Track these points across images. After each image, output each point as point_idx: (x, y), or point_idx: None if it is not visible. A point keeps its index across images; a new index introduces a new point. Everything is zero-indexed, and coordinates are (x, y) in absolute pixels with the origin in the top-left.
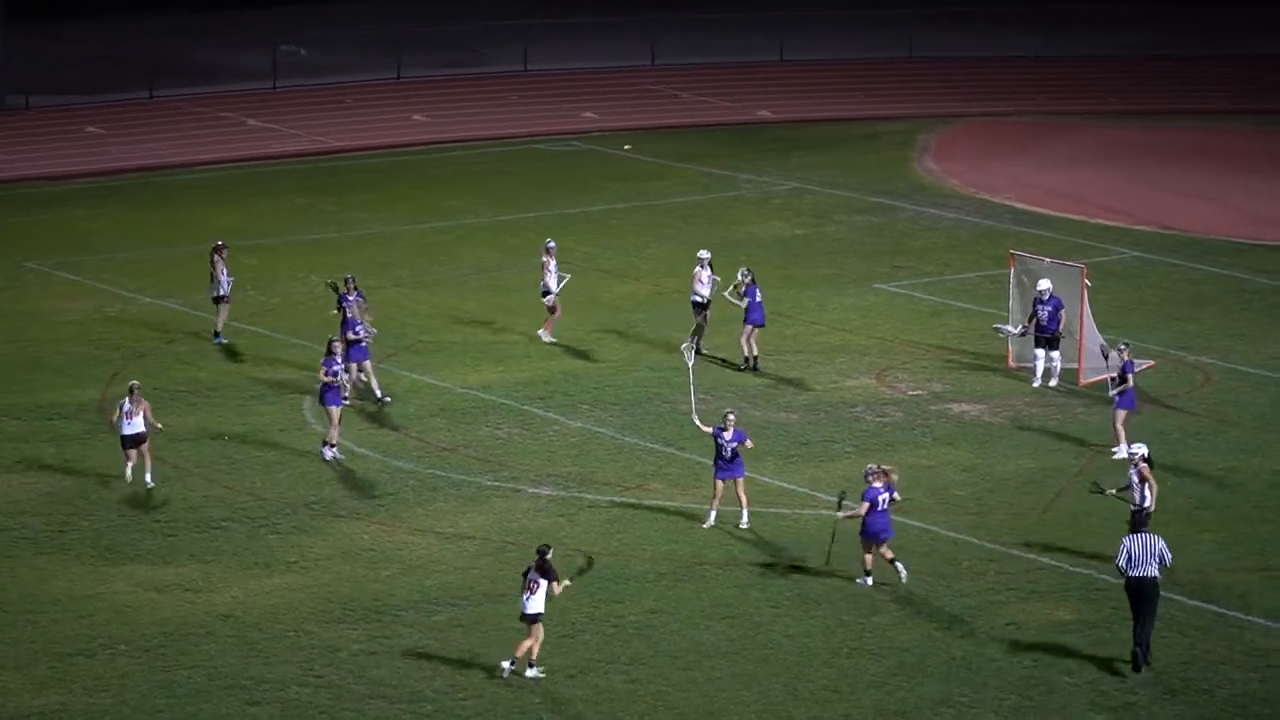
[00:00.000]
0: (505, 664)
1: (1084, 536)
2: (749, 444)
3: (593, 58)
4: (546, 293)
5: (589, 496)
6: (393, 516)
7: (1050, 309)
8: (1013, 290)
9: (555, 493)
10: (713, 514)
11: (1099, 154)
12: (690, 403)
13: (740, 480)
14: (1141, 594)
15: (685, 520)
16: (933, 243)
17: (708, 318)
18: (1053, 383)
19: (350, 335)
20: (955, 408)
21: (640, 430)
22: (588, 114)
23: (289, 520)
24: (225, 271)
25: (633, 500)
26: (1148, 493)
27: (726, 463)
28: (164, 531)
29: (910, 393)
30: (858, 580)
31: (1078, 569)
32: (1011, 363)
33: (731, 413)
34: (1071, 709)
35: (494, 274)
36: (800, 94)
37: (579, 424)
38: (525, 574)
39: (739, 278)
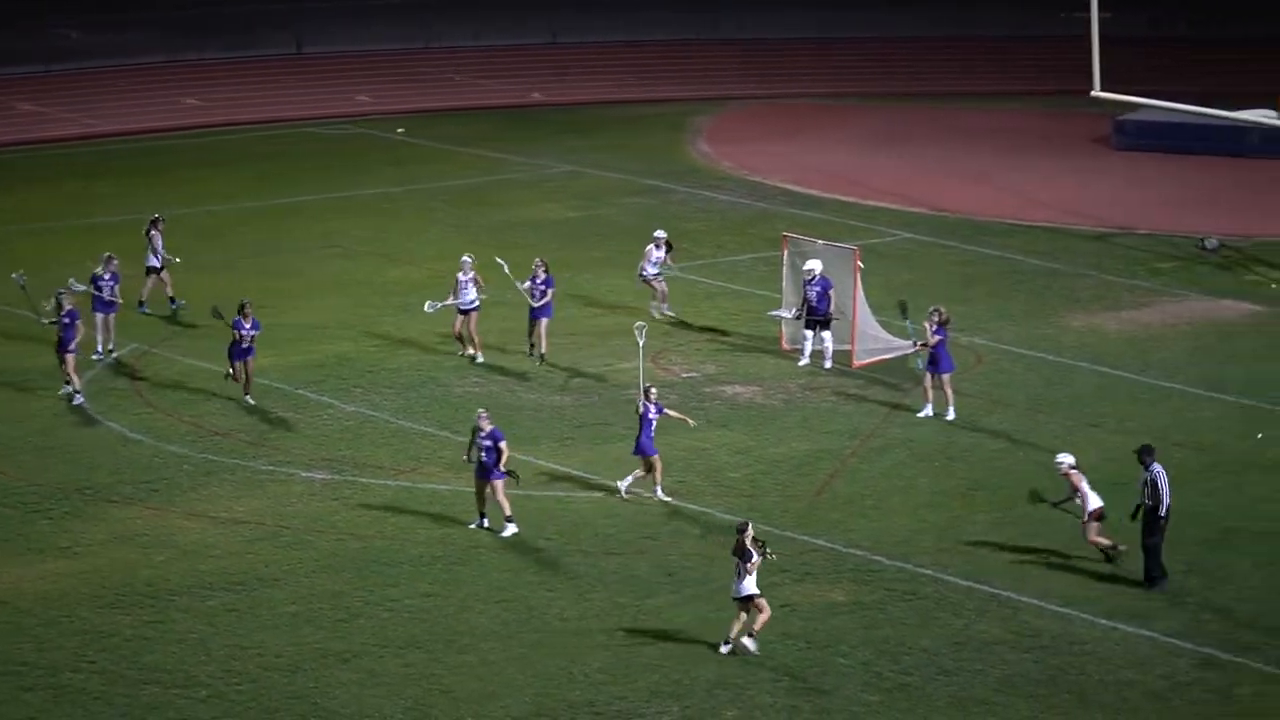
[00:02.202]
0: (750, 644)
1: (857, 519)
2: (670, 413)
3: (367, 40)
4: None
5: (363, 480)
6: (167, 501)
7: (819, 290)
8: (786, 272)
9: (329, 477)
10: (627, 480)
11: (873, 136)
12: (639, 381)
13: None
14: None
15: (460, 504)
16: (706, 225)
17: (660, 291)
18: (826, 364)
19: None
20: (729, 390)
21: (414, 414)
22: (362, 97)
23: (62, 505)
24: (160, 243)
25: (407, 484)
26: (1091, 494)
27: (652, 438)
28: None
29: (684, 375)
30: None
31: (851, 550)
32: (785, 344)
33: (653, 387)
34: (846, 690)
35: (269, 258)
36: (574, 77)
37: (353, 408)
38: (735, 555)
39: (535, 269)
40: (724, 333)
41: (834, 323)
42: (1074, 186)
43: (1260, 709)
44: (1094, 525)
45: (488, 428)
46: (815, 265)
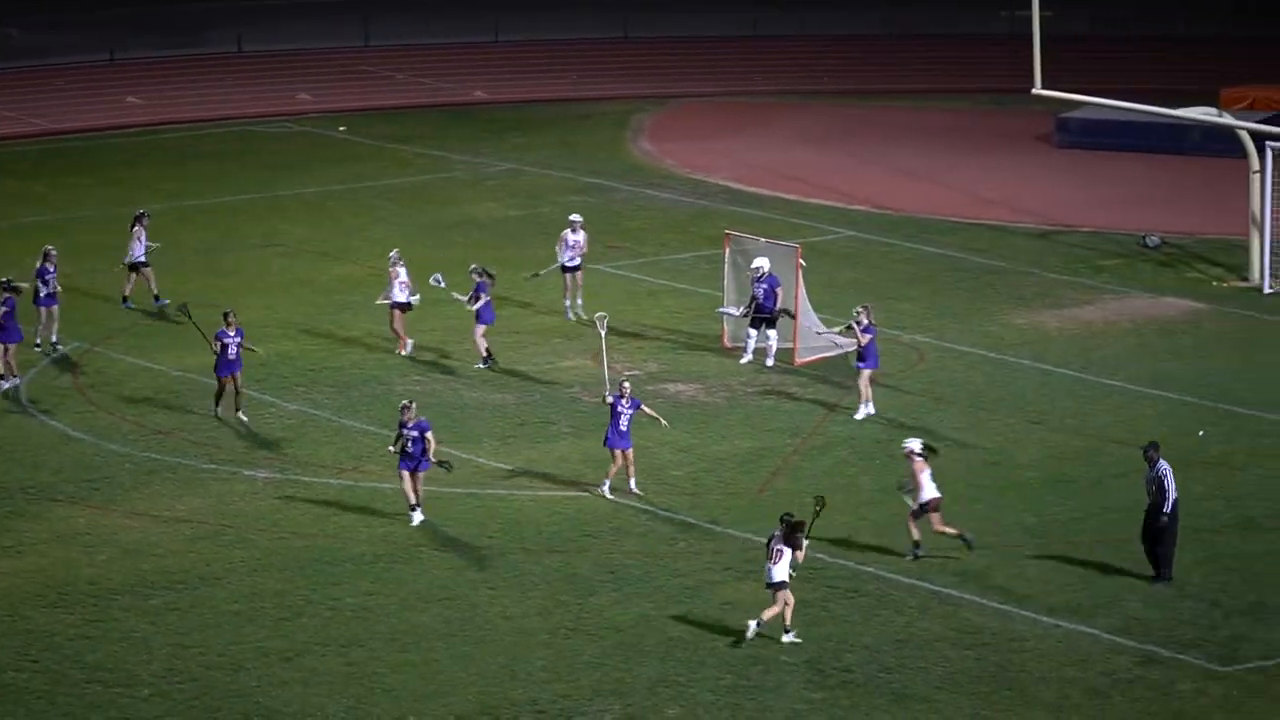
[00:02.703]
0: (752, 624)
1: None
2: (646, 410)
3: (308, 39)
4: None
5: (305, 479)
6: (108, 500)
7: (767, 287)
8: (728, 270)
9: (272, 475)
10: (607, 484)
11: (815, 134)
12: (604, 374)
13: (629, 450)
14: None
15: (401, 502)
16: (649, 223)
17: (578, 279)
18: (769, 362)
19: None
20: (671, 388)
21: (356, 412)
22: (303, 95)
23: (4, 505)
24: (144, 238)
25: (349, 482)
26: (929, 485)
27: (621, 432)
28: None
29: (627, 373)
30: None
31: None
32: (727, 342)
33: (626, 381)
34: (788, 687)
35: (211, 255)
36: (516, 75)
37: (295, 406)
38: (768, 543)
39: (472, 276)
40: (667, 331)
41: (778, 320)
42: (1016, 184)
43: (1200, 706)
44: (935, 515)
45: (414, 419)
46: (763, 263)
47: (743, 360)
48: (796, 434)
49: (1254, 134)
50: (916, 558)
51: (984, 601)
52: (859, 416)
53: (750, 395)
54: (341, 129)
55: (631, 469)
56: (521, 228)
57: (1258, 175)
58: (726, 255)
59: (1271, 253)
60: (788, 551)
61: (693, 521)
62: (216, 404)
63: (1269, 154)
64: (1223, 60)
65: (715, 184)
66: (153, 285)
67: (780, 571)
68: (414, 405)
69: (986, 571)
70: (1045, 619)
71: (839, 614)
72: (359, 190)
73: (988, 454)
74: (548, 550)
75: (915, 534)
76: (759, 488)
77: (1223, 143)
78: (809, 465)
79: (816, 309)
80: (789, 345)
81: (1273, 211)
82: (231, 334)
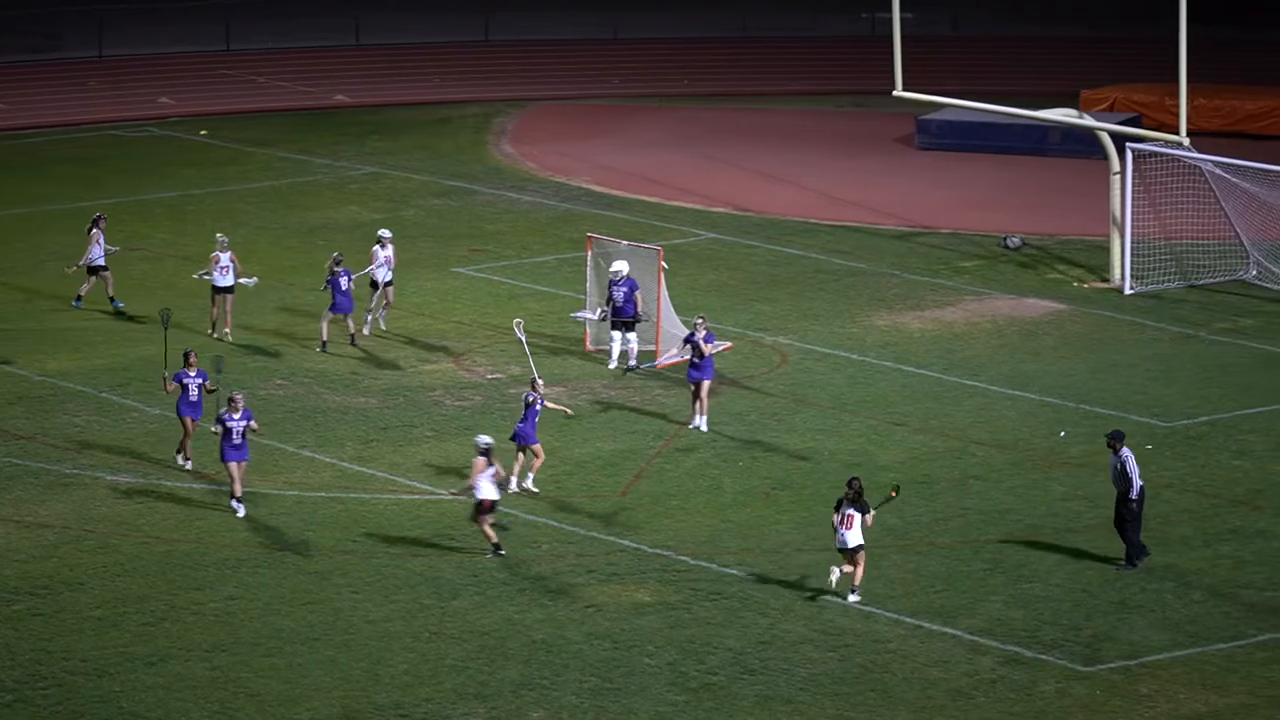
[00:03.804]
0: (835, 571)
1: (662, 519)
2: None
3: (169, 42)
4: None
5: (168, 484)
6: None
7: (625, 290)
8: (590, 273)
9: (134, 480)
10: (514, 480)
11: (676, 136)
12: (532, 372)
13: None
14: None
15: (264, 505)
16: (510, 226)
17: (389, 294)
18: (631, 364)
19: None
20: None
21: None
22: (164, 99)
23: None
24: (103, 241)
25: (212, 487)
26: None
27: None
28: None
29: (489, 376)
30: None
31: (657, 550)
32: (590, 345)
33: (539, 378)
34: (652, 690)
35: (74, 259)
36: (377, 78)
37: (158, 411)
38: (837, 509)
39: (331, 264)
40: (529, 334)
41: (639, 324)
42: (877, 186)
43: (1062, 706)
44: (485, 517)
45: (241, 408)
46: (621, 266)
47: (610, 365)
48: (659, 437)
49: (1113, 135)
50: (499, 550)
51: (846, 603)
52: (704, 428)
53: (612, 397)
54: (203, 132)
55: (537, 464)
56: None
57: (1118, 176)
58: (589, 258)
59: (1132, 254)
60: (859, 515)
61: (555, 524)
62: (179, 451)
63: (1129, 155)
64: (1083, 62)
65: (577, 187)
66: (110, 288)
67: (855, 536)
68: (242, 397)
69: (849, 573)
70: (908, 620)
71: (702, 616)
72: (221, 194)
73: (850, 455)
74: (410, 554)
75: (491, 534)
76: (622, 490)
77: (1083, 144)
78: (672, 468)
79: (679, 312)
80: (651, 348)
81: (1133, 213)
82: (192, 374)
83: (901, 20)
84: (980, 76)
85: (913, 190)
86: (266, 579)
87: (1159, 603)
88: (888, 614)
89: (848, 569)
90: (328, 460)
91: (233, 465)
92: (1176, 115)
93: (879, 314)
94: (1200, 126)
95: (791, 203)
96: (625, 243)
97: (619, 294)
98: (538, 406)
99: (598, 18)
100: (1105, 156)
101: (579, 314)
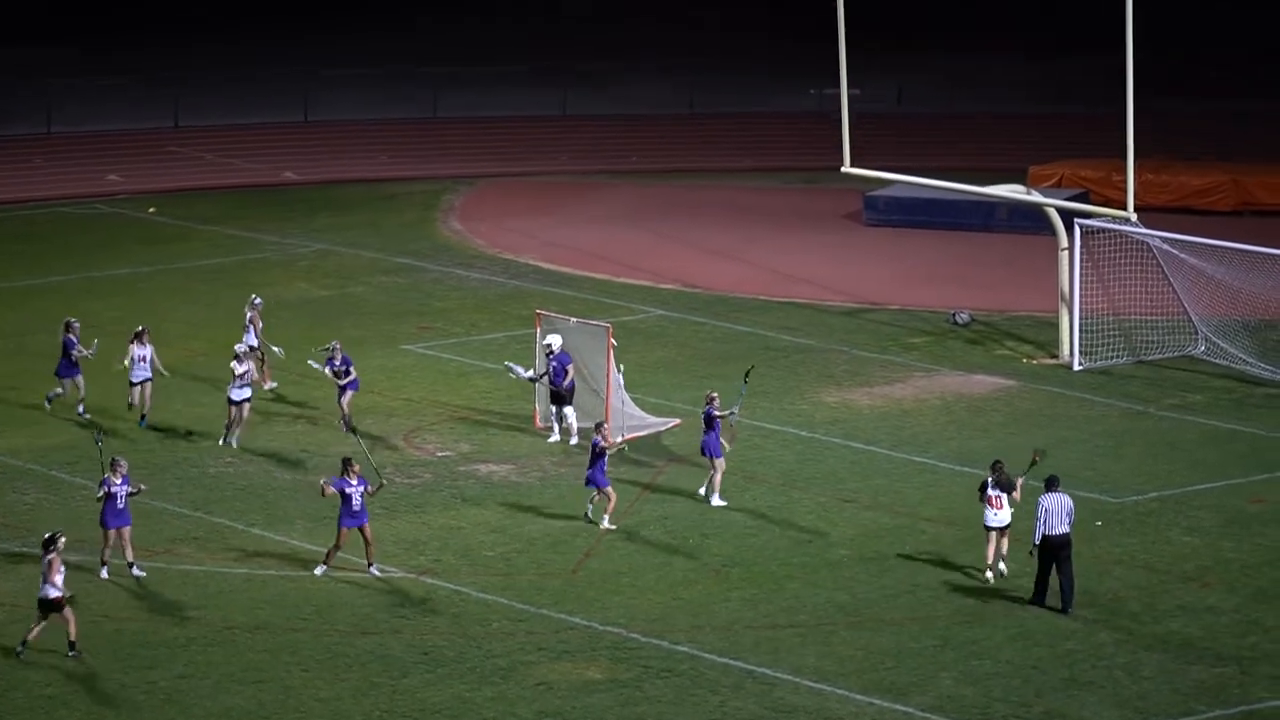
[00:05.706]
0: (1001, 566)
1: (612, 596)
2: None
3: (117, 119)
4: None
5: (116, 561)
6: None
7: (557, 365)
8: (539, 349)
9: (83, 558)
10: (595, 513)
11: (624, 213)
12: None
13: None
14: (1059, 549)
15: (213, 584)
16: (459, 303)
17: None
18: (573, 440)
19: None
20: (484, 468)
21: (168, 494)
22: (112, 176)
23: None
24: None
25: (161, 564)
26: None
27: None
28: None
29: (439, 454)
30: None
31: (607, 628)
32: (539, 422)
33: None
34: None
35: (20, 338)
36: (325, 155)
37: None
38: (981, 492)
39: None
40: (478, 411)
41: (577, 398)
42: (825, 262)
43: None
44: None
45: (122, 473)
46: (554, 340)
47: (550, 439)
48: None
49: (1061, 211)
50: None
51: (798, 680)
52: (720, 504)
53: (563, 474)
54: (152, 210)
55: (611, 505)
56: (333, 308)
57: (1066, 252)
58: (538, 335)
59: (1081, 330)
60: (1005, 495)
61: (506, 602)
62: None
63: (1077, 231)
64: (1031, 136)
65: (525, 264)
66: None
67: (1005, 515)
68: (126, 463)
69: (799, 650)
70: (859, 697)
71: (653, 694)
72: (168, 271)
73: (800, 533)
74: (360, 632)
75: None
76: (573, 568)
77: (1031, 220)
78: (622, 545)
79: (629, 389)
80: (587, 424)
81: (1081, 289)
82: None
83: (849, 96)
84: (928, 152)
85: (861, 266)
86: (216, 657)
87: (1109, 679)
88: (839, 691)
89: (1005, 553)
90: (277, 538)
91: (125, 530)
92: (1124, 191)
93: (828, 390)
94: (1147, 202)
95: (740, 279)
96: (574, 320)
97: (551, 367)
98: (602, 446)
99: (545, 94)
100: (1053, 232)
101: (512, 364)
